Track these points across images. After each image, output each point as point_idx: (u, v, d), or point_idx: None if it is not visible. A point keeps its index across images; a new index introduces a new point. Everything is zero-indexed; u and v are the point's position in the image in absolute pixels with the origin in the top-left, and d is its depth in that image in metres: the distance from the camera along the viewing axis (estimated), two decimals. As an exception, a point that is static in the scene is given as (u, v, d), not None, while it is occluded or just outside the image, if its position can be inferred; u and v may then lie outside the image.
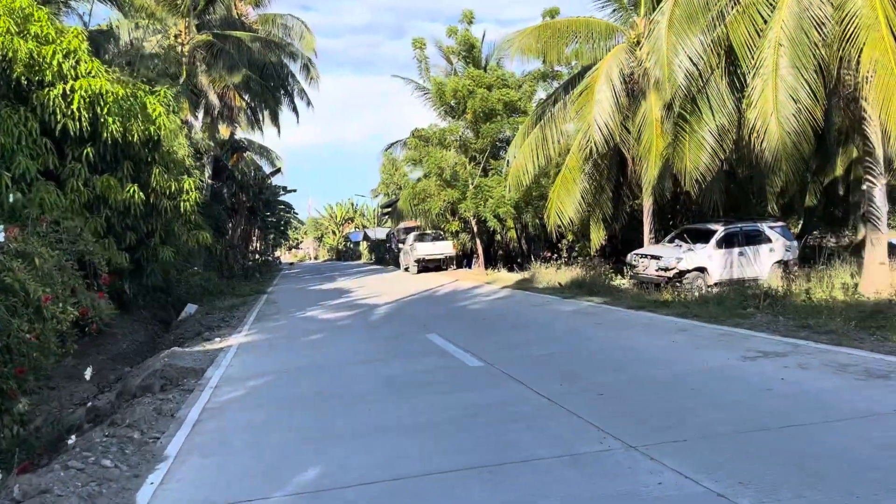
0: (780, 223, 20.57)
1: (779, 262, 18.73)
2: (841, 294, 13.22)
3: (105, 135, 12.59)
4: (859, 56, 12.03)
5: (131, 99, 13.10)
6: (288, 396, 7.84)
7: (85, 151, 12.47)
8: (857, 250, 21.91)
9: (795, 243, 20.31)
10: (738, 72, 14.58)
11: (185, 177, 14.67)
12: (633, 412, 6.01)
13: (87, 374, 7.47)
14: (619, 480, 4.48)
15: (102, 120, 12.52)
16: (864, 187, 14.29)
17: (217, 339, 13.53)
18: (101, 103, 12.41)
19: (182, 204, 14.43)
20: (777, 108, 12.38)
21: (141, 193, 12.95)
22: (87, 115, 12.17)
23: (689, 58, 14.29)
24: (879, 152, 13.80)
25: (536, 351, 9.51)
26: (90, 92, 12.21)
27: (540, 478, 4.63)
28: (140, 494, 5.02)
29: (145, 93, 13.87)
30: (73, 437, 6.55)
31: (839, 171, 24.54)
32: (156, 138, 13.87)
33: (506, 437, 5.59)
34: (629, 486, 4.37)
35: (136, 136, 13.19)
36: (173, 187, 14.12)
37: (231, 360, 10.85)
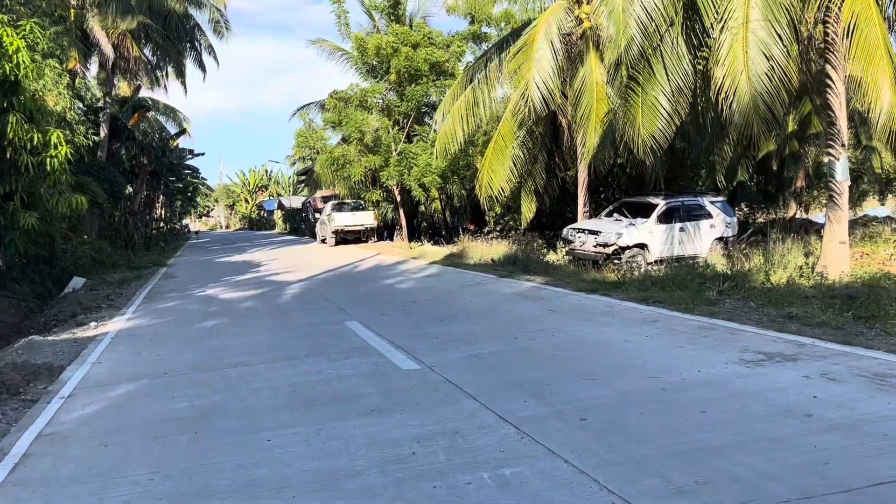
0: (719, 198, 19.57)
1: (719, 238, 17.76)
2: (797, 275, 12.12)
3: (-59, 70, 10.12)
4: (839, 8, 10.71)
5: (-22, 29, 10.58)
6: (160, 415, 5.84)
7: (-89, 90, 9.94)
8: (788, 227, 21.19)
9: (735, 219, 19.40)
10: (697, 27, 13.09)
11: (53, 129, 12.13)
12: (637, 453, 4.27)
13: None
14: None
15: (-62, 52, 10.03)
16: (826, 160, 13.15)
17: (93, 324, 11.42)
18: (-64, 31, 9.93)
19: (49, 161, 11.92)
20: (748, 65, 10.91)
21: (-12, 146, 10.45)
22: (-86, 45, 9.67)
23: (645, 9, 12.71)
24: (842, 123, 12.68)
25: (485, 348, 7.68)
26: (-81, 15, 9.71)
27: None
28: None
29: (2, 24, 11.29)
30: None
31: (772, 145, 23.77)
32: (13, 79, 11.31)
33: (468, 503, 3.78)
34: None
35: (-17, 74, 10.69)
36: (36, 140, 11.60)
37: (101, 354, 8.83)
